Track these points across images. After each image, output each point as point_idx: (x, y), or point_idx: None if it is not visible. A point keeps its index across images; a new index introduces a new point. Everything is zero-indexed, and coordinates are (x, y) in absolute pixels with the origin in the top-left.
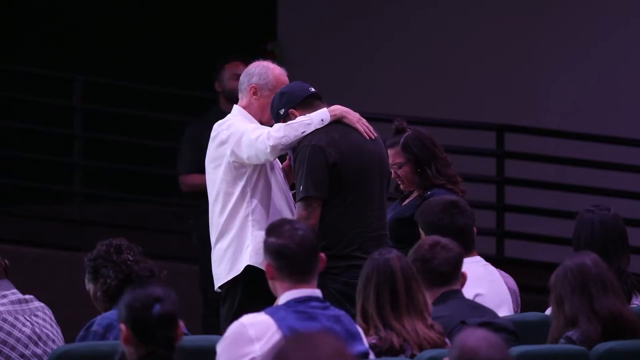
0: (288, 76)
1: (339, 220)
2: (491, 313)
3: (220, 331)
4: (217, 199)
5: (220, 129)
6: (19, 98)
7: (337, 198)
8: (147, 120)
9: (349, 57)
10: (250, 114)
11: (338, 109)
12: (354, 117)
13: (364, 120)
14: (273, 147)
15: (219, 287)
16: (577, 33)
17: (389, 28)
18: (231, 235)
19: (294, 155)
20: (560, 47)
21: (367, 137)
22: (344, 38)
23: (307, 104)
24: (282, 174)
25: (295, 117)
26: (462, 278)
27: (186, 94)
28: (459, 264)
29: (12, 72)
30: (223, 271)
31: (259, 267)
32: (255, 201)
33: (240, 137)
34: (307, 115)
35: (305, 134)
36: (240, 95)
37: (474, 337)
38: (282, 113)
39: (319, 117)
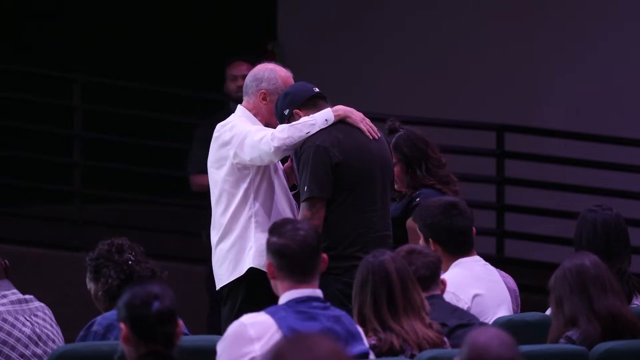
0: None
1: (342, 220)
2: (471, 316)
3: (222, 331)
4: (219, 200)
5: (223, 130)
6: (18, 98)
7: (340, 198)
8: (147, 120)
9: (349, 57)
10: (257, 116)
11: (341, 108)
12: (357, 116)
13: (367, 120)
14: (277, 148)
15: (221, 288)
16: (577, 33)
17: (389, 28)
18: (234, 236)
19: (298, 156)
20: (560, 47)
21: (370, 137)
22: (344, 38)
23: (312, 104)
24: (284, 175)
25: (300, 117)
26: (442, 285)
27: (186, 94)
28: (437, 269)
29: (12, 72)
30: (225, 272)
31: (261, 269)
32: (258, 203)
33: (243, 138)
34: (311, 115)
35: (309, 134)
36: (245, 98)
37: (485, 334)
38: (286, 113)
39: (322, 117)
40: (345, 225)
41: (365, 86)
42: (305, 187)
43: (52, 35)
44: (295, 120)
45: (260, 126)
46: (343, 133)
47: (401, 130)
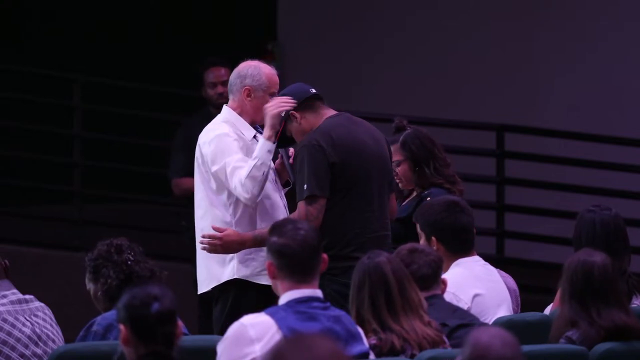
0: (288, 77)
1: (338, 220)
2: (472, 316)
3: (214, 331)
4: (200, 204)
5: (203, 141)
6: (18, 98)
7: (335, 198)
8: (147, 120)
9: (349, 57)
10: (243, 115)
11: (266, 123)
12: (268, 110)
13: (275, 99)
14: (252, 196)
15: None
16: (577, 33)
17: (389, 28)
18: None
19: (295, 155)
20: (560, 47)
21: (281, 109)
22: (344, 38)
23: (309, 105)
24: (275, 174)
25: (297, 118)
26: (443, 285)
27: (186, 94)
28: (439, 268)
29: (12, 72)
30: (205, 279)
31: (246, 279)
32: (239, 212)
33: (224, 165)
34: (254, 155)
35: (266, 170)
36: (231, 97)
37: (488, 334)
38: (283, 115)
39: (264, 150)
40: (342, 225)
41: (365, 86)
42: (305, 186)
43: (52, 35)
44: (292, 121)
45: (235, 154)
46: (337, 133)
47: (408, 128)
